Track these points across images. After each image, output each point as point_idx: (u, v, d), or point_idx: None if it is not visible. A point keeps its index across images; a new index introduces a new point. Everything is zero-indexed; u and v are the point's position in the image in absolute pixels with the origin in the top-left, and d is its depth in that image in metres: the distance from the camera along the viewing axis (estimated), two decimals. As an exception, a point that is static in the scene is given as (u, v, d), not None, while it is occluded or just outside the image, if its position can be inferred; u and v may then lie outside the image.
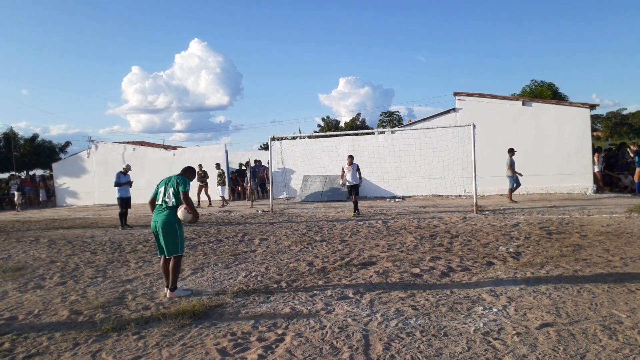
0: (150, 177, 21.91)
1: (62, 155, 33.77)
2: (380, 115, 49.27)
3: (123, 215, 12.93)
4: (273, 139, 16.27)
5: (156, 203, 6.01)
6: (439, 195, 18.37)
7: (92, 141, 23.37)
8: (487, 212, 13.17)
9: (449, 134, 17.00)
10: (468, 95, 17.98)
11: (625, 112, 49.64)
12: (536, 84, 30.76)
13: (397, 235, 9.98)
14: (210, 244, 9.85)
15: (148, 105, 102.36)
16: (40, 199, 26.24)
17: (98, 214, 18.42)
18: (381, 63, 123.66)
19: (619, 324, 4.26)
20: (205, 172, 19.12)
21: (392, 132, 19.44)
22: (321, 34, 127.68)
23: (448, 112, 18.31)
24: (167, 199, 5.90)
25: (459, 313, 4.79)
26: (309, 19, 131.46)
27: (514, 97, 19.02)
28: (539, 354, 3.68)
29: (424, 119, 18.85)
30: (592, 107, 16.63)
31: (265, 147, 51.12)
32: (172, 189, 5.90)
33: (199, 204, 19.17)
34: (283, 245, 9.30)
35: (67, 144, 35.10)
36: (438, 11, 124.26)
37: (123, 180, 12.96)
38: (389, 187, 18.70)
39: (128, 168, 13.33)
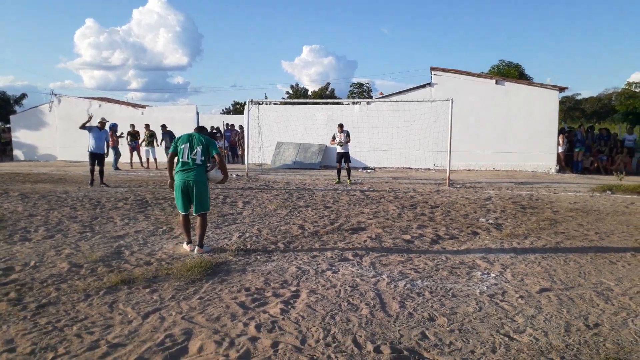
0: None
1: (17, 108, 32.18)
2: (350, 87, 49.38)
3: (98, 173, 12.45)
4: (252, 102, 16.07)
5: (181, 160, 5.95)
6: (410, 168, 18.75)
7: (55, 95, 22.37)
8: (458, 186, 13.60)
9: (423, 108, 17.24)
10: (444, 70, 18.25)
11: (579, 98, 51.75)
12: (504, 64, 31.53)
13: (378, 203, 10.20)
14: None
15: (102, 61, 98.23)
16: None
17: (63, 170, 17.80)
18: (345, 34, 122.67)
19: (609, 290, 4.62)
20: (138, 132, 18.77)
21: (367, 103, 19.55)
22: (286, 1, 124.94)
23: (424, 86, 18.55)
24: (195, 157, 5.90)
25: (460, 277, 5.05)
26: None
27: (487, 75, 19.46)
28: (546, 314, 3.97)
29: (400, 92, 19.04)
30: (562, 89, 17.26)
31: (227, 112, 50.48)
32: (199, 147, 5.90)
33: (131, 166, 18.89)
34: (268, 209, 9.36)
35: (23, 95, 33.45)
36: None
37: (97, 135, 12.39)
38: (362, 158, 18.90)
39: (104, 121, 12.75)
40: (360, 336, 3.50)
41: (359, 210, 9.35)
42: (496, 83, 17.86)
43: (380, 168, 18.85)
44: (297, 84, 49.88)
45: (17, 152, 23.85)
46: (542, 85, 17.25)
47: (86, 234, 7.02)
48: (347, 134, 13.97)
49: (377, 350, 3.26)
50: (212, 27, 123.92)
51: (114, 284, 4.68)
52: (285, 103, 19.98)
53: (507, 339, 3.49)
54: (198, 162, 5.96)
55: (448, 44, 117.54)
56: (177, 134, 18.91)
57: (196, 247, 6.05)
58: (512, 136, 17.56)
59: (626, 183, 13.56)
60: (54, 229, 7.33)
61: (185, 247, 6.15)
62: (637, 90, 18.98)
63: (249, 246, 6.36)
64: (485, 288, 4.64)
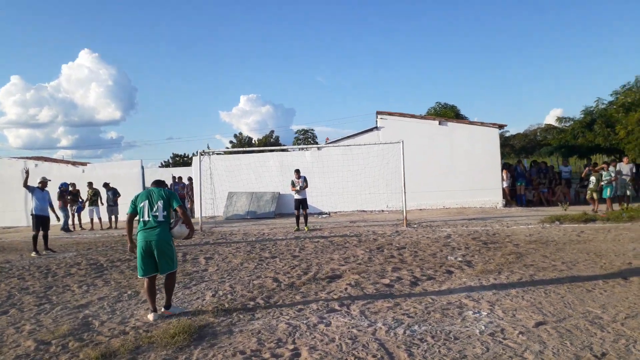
0: (55, 197, 20.18)
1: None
2: (296, 133, 50.00)
3: (42, 238, 11.60)
4: (202, 153, 15.80)
5: (142, 219, 5.60)
6: (364, 211, 18.91)
7: (-16, 156, 21.02)
8: (415, 225, 13.81)
9: (373, 151, 17.64)
10: (390, 114, 18.86)
11: (507, 134, 54.89)
12: (440, 105, 33.14)
13: (344, 249, 10.13)
14: (153, 265, 9.27)
15: (29, 119, 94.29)
16: None
17: (-3, 238, 16.52)
18: (282, 83, 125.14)
19: (599, 318, 4.73)
20: (78, 192, 18.11)
21: (318, 148, 19.75)
22: (221, 51, 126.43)
23: (371, 130, 19.03)
24: (156, 214, 5.55)
25: (453, 318, 5.01)
26: (206, 36, 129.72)
27: (430, 117, 20.28)
28: (553, 348, 3.98)
29: (348, 137, 19.40)
30: (501, 127, 18.25)
31: (166, 165, 49.41)
32: (160, 202, 5.57)
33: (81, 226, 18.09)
34: (234, 263, 9.04)
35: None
36: (336, 34, 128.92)
37: (40, 196, 11.63)
38: (316, 203, 18.89)
39: (45, 181, 11.99)
40: (380, 392, 3.34)
41: (328, 257, 9.22)
42: (439, 124, 18.63)
43: (335, 212, 18.89)
44: (240, 133, 49.96)
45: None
46: (482, 124, 18.15)
47: (44, 306, 6.44)
48: (305, 179, 13.97)
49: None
50: (146, 80, 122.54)
51: (94, 359, 4.27)
52: (236, 152, 19.81)
53: (526, 379, 3.45)
54: (160, 218, 5.63)
55: (383, 89, 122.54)
56: (122, 191, 18.24)
57: (163, 309, 5.66)
58: (458, 174, 18.21)
59: (571, 212, 14.29)
60: (6, 304, 6.68)
61: (150, 317, 5.58)
62: (566, 125, 20.45)
63: (226, 305, 6.05)
64: (483, 327, 4.62)
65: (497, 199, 18.02)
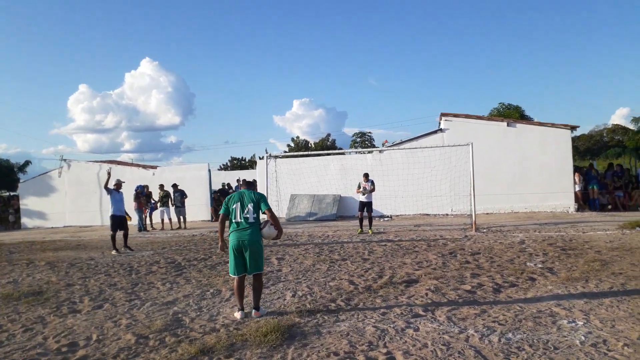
0: (127, 197, 21.15)
1: (20, 175, 32.13)
2: (353, 136, 50.09)
3: (122, 237, 12.19)
4: (269, 156, 16.12)
5: (234, 220, 5.79)
6: (427, 214, 18.64)
7: (64, 160, 22.35)
8: (484, 230, 13.46)
9: (436, 154, 17.37)
10: (455, 116, 18.51)
11: (572, 136, 52.48)
12: (504, 106, 32.15)
13: (415, 253, 10.02)
14: (227, 265, 9.52)
15: (96, 124, 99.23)
16: (9, 220, 24.75)
17: (77, 236, 17.52)
18: (334, 86, 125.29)
19: None
20: (167, 192, 18.78)
21: (380, 151, 19.67)
22: (275, 56, 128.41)
23: (435, 132, 18.75)
24: (247, 215, 5.74)
25: (547, 327, 4.85)
26: (262, 41, 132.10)
27: (498, 118, 19.72)
28: (666, 363, 3.77)
29: (412, 139, 19.19)
30: (573, 128, 17.50)
31: (225, 168, 50.55)
32: (250, 204, 5.75)
33: (152, 226, 18.76)
34: (306, 265, 9.15)
35: (27, 163, 33.50)
36: (388, 36, 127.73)
37: (117, 197, 12.20)
38: (378, 206, 18.78)
39: (120, 183, 12.55)
40: (489, 400, 3.28)
41: (400, 261, 9.15)
42: (507, 125, 18.08)
43: (397, 216, 18.74)
44: (297, 137, 50.47)
45: (25, 220, 23.56)
46: (553, 125, 17.47)
47: (135, 302, 6.77)
48: (372, 183, 13.94)
49: (517, 415, 3.05)
50: (204, 86, 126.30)
51: (193, 355, 4.44)
52: (300, 155, 20.09)
53: (644, 394, 3.29)
54: (251, 220, 5.80)
55: (438, 91, 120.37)
56: (189, 193, 18.90)
57: (253, 311, 5.80)
58: (527, 177, 17.61)
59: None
60: (99, 298, 7.07)
61: (237, 315, 5.77)
62: (642, 125, 19.36)
63: (308, 306, 6.13)
64: (583, 338, 4.44)
65: (569, 203, 17.27)
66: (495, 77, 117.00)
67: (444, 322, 5.21)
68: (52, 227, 22.69)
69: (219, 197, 21.69)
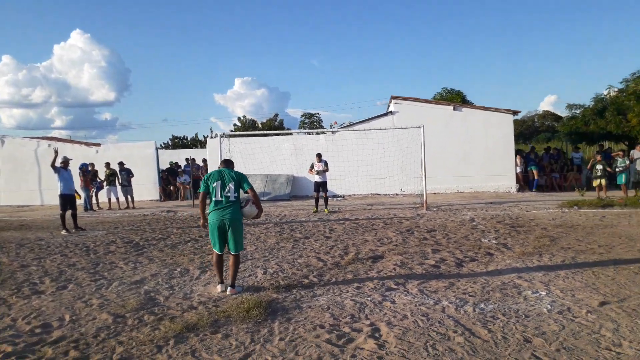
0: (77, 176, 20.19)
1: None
2: (302, 117, 49.91)
3: (71, 217, 11.66)
4: (223, 135, 15.85)
5: (214, 199, 5.73)
6: (378, 194, 19.07)
7: (-3, 136, 20.93)
8: (434, 209, 13.98)
9: (387, 136, 17.74)
10: (404, 99, 18.92)
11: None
12: (447, 91, 33.19)
13: (374, 230, 10.28)
14: (188, 244, 9.42)
15: (22, 99, 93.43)
16: None
17: (17, 216, 16.56)
18: (277, 66, 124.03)
19: (659, 299, 4.91)
20: (97, 172, 18.19)
21: (332, 132, 19.81)
22: (216, 33, 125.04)
23: (385, 115, 19.10)
24: (228, 194, 5.70)
25: (515, 297, 5.18)
26: (201, 17, 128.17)
27: (445, 102, 20.32)
28: (626, 326, 4.16)
29: (363, 121, 19.46)
30: (515, 113, 18.37)
31: (165, 147, 49.02)
32: (231, 183, 5.71)
33: (99, 206, 18.19)
34: (270, 243, 9.19)
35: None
36: (332, 17, 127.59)
37: (66, 175, 11.60)
38: (330, 187, 18.95)
39: (67, 160, 11.88)
40: (478, 364, 3.50)
41: (361, 238, 9.38)
42: (454, 109, 18.72)
43: (349, 195, 19.05)
44: (244, 116, 49.67)
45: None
46: (497, 110, 18.24)
47: (101, 282, 6.57)
48: (326, 164, 14.09)
49: (507, 376, 3.28)
50: (140, 61, 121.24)
51: (178, 332, 4.41)
52: (254, 135, 19.84)
53: (613, 353, 3.63)
54: (232, 199, 5.79)
55: (380, 75, 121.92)
56: (136, 172, 18.29)
57: (228, 288, 5.83)
58: (472, 159, 18.36)
59: (588, 198, 14.52)
60: (61, 279, 6.80)
61: (218, 287, 5.87)
62: (576, 112, 20.60)
63: (282, 282, 6.20)
64: (549, 306, 4.80)
65: (511, 184, 18.22)
66: (436, 61, 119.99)
67: (417, 294, 5.44)
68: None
69: (167, 176, 21.14)
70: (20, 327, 4.79)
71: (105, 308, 5.33)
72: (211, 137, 23.53)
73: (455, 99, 30.32)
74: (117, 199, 17.85)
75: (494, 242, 8.55)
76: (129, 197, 17.90)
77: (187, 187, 20.28)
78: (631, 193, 15.23)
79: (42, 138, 21.85)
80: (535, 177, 18.20)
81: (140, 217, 14.69)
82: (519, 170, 18.34)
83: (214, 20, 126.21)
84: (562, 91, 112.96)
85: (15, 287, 6.38)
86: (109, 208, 17.69)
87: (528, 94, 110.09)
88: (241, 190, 5.89)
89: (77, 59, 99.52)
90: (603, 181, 14.91)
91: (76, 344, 4.26)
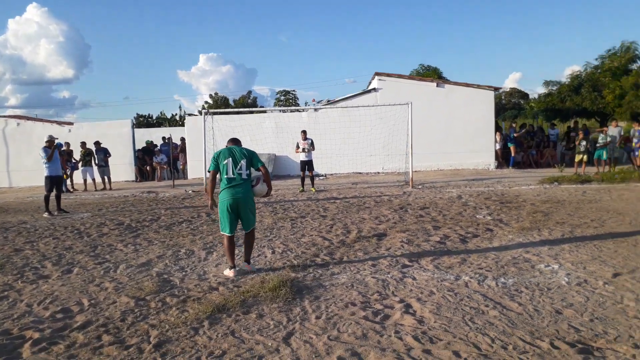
0: (39, 156, 19.49)
1: None
2: (277, 94, 49.38)
3: (55, 199, 11.29)
4: (207, 113, 15.55)
5: (225, 177, 5.62)
6: (359, 173, 19.17)
7: (-39, 114, 19.93)
8: (419, 187, 14.18)
9: (370, 113, 17.74)
10: (388, 75, 18.93)
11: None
12: (424, 67, 33.39)
13: (367, 209, 10.36)
14: (182, 225, 9.29)
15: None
16: None
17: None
18: (243, 42, 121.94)
19: (667, 269, 5.15)
20: (90, 150, 17.60)
21: (315, 110, 19.69)
22: (180, 7, 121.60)
23: (369, 92, 19.11)
24: (240, 171, 5.61)
25: (530, 271, 5.34)
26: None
27: (429, 79, 20.44)
28: (647, 295, 4.36)
29: (346, 98, 19.39)
30: (497, 89, 18.66)
31: (137, 125, 47.70)
32: (243, 160, 5.62)
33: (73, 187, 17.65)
34: (268, 223, 9.17)
35: None
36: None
37: (53, 156, 11.20)
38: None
39: (52, 139, 11.42)
40: (522, 336, 3.61)
41: (357, 216, 9.44)
42: (437, 86, 18.88)
43: (331, 174, 19.09)
44: (216, 93, 48.66)
45: None
46: (479, 86, 18.49)
47: (106, 265, 6.43)
48: (312, 142, 14.03)
49: (553, 346, 3.40)
50: (101, 37, 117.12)
51: (210, 313, 4.38)
52: (237, 112, 19.54)
53: (644, 322, 3.80)
54: (244, 176, 5.73)
55: (351, 52, 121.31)
56: (111, 151, 17.81)
57: (243, 264, 5.81)
58: (454, 136, 18.61)
59: (566, 174, 14.98)
60: (62, 263, 6.62)
61: (229, 272, 5.71)
62: (553, 88, 21.10)
63: (294, 262, 6.21)
64: (566, 279, 4.96)
65: (490, 161, 18.60)
66: (405, 38, 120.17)
67: (434, 270, 5.54)
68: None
69: (143, 156, 20.65)
70: (39, 313, 4.65)
71: (122, 291, 5.23)
72: (183, 115, 22.96)
73: (431, 75, 30.54)
74: (94, 179, 17.36)
75: (489, 218, 8.75)
76: (105, 177, 17.44)
77: (164, 167, 19.89)
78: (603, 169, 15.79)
79: (9, 116, 20.93)
80: (513, 154, 18.63)
81: (122, 198, 14.36)
82: (498, 147, 18.72)
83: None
84: (526, 68, 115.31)
85: (17, 272, 6.17)
86: (85, 189, 17.22)
87: (493, 71, 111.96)
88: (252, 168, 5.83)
89: (34, 34, 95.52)
90: (585, 157, 15.40)
91: (105, 328, 4.18)
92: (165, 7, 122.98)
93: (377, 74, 18.95)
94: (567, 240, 6.77)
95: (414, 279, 5.24)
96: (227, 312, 4.41)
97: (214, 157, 5.77)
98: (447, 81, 19.24)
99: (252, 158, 5.74)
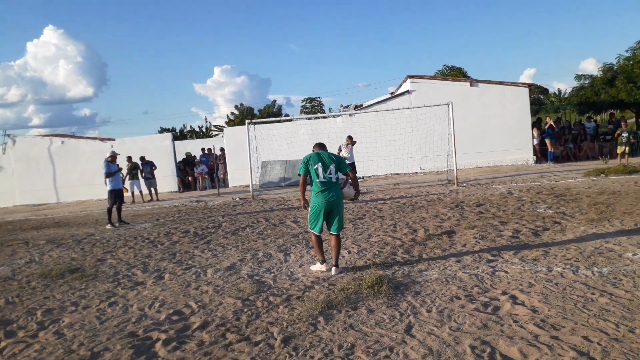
0: (84, 172, 20.12)
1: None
2: (302, 102, 49.99)
3: (115, 211, 11.68)
4: (250, 122, 15.87)
5: (318, 180, 5.85)
6: (397, 174, 19.27)
7: (9, 135, 20.62)
8: (464, 185, 14.22)
9: (404, 115, 17.87)
10: (421, 77, 19.04)
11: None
12: (448, 68, 33.36)
13: (422, 208, 10.46)
14: (246, 230, 9.53)
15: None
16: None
17: (42, 214, 16.46)
18: (255, 52, 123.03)
19: None
20: (136, 164, 18.03)
21: (350, 115, 19.89)
22: (192, 22, 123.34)
23: (402, 94, 19.22)
24: (331, 175, 5.85)
25: (619, 260, 5.41)
26: (176, 5, 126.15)
27: (461, 79, 20.49)
28: None
29: (380, 102, 19.56)
30: (530, 86, 18.61)
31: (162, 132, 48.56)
32: (332, 165, 5.86)
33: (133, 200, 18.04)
34: (329, 225, 9.32)
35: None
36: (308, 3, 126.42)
37: (114, 169, 11.66)
38: (350, 168, 19.14)
39: (115, 155, 11.90)
40: (642, 320, 3.71)
41: (416, 215, 9.55)
42: (470, 85, 18.91)
43: (369, 176, 19.21)
44: (241, 104, 49.34)
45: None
46: (512, 84, 18.48)
47: (194, 270, 6.68)
48: (340, 147, 14.38)
49: (682, 328, 3.50)
50: (116, 55, 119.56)
51: (321, 310, 4.56)
52: (280, 121, 19.91)
53: None
54: (334, 180, 5.97)
55: (361, 58, 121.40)
56: (157, 164, 18.25)
57: (333, 268, 5.99)
58: (490, 133, 18.61)
59: (612, 165, 14.86)
60: (150, 270, 6.89)
61: (321, 266, 6.02)
62: (585, 82, 21.00)
63: (374, 260, 6.37)
64: (660, 266, 5.03)
65: (528, 157, 18.54)
66: (414, 40, 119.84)
67: (522, 263, 5.65)
68: (1, 207, 21.08)
69: (184, 167, 21.10)
70: (154, 316, 4.89)
71: (223, 293, 5.45)
72: (209, 127, 23.32)
73: (457, 75, 30.50)
74: (141, 192, 17.82)
75: (550, 211, 8.79)
76: (152, 189, 17.88)
77: (205, 177, 20.30)
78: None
79: (55, 135, 21.60)
80: (550, 149, 18.52)
81: (173, 208, 14.72)
82: (535, 142, 18.65)
83: (189, 8, 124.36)
84: (540, 64, 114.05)
85: (113, 280, 6.46)
86: (133, 201, 17.66)
87: (507, 67, 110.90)
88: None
89: (52, 56, 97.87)
90: (627, 148, 15.29)
91: (225, 327, 4.39)
92: (178, 21, 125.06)
93: (409, 76, 19.07)
94: (642, 229, 6.80)
95: (506, 272, 5.35)
96: (336, 309, 4.59)
97: (303, 162, 6.00)
98: (478, 80, 19.20)
99: (340, 163, 5.97)
